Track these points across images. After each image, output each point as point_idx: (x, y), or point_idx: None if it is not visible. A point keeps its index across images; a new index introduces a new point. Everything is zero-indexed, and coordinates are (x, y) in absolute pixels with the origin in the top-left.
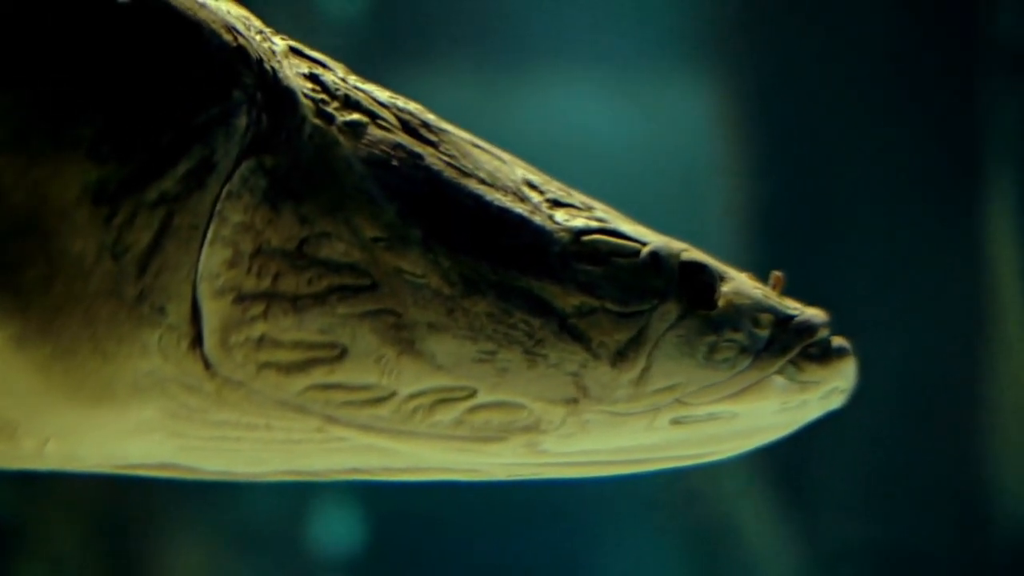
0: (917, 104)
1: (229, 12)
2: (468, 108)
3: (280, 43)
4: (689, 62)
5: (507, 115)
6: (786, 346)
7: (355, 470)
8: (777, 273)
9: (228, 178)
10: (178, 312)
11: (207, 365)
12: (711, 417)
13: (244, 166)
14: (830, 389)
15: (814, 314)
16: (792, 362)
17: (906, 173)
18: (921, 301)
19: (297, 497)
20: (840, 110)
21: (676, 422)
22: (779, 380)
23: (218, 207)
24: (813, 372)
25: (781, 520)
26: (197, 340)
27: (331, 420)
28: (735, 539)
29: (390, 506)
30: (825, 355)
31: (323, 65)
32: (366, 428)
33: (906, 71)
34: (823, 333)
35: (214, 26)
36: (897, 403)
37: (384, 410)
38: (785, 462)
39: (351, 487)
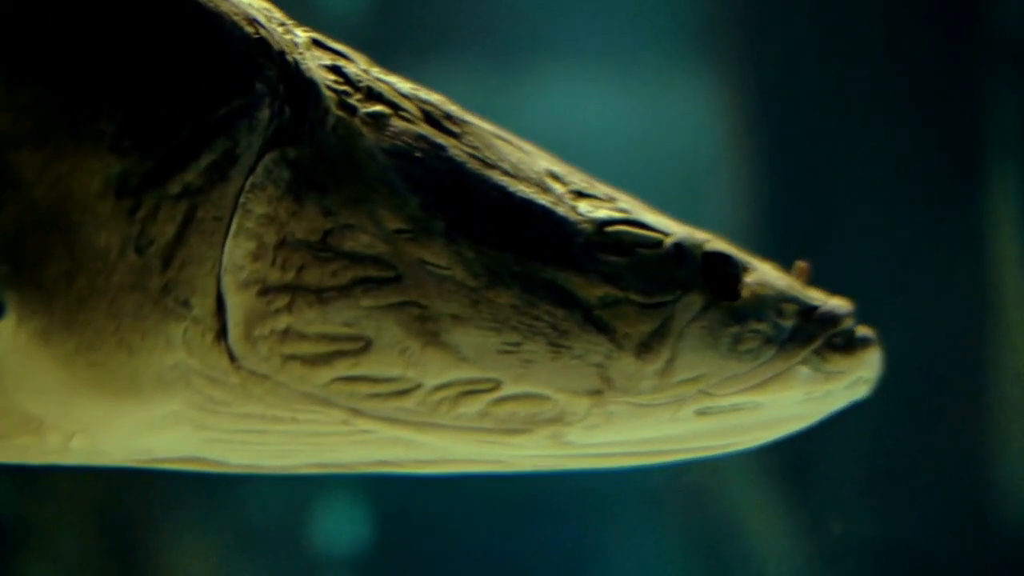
0: (918, 100)
1: (251, 5)
2: (469, 105)
3: (302, 35)
4: (691, 59)
5: (509, 112)
6: (810, 336)
7: (382, 462)
8: (802, 263)
9: (251, 170)
10: (203, 305)
11: (232, 358)
12: (735, 408)
13: (267, 158)
14: (855, 379)
15: (838, 304)
16: (817, 352)
17: (908, 169)
18: (923, 297)
19: (301, 496)
20: (841, 106)
21: (701, 413)
22: (803, 370)
23: (242, 199)
24: (838, 362)
25: (784, 516)
26: (222, 333)
27: (356, 413)
28: (739, 535)
29: (393, 504)
30: (850, 345)
31: (345, 57)
32: (392, 420)
33: (907, 67)
34: (848, 323)
35: (236, 18)
36: (900, 399)
37: (409, 402)
38: (789, 458)
39: (354, 485)
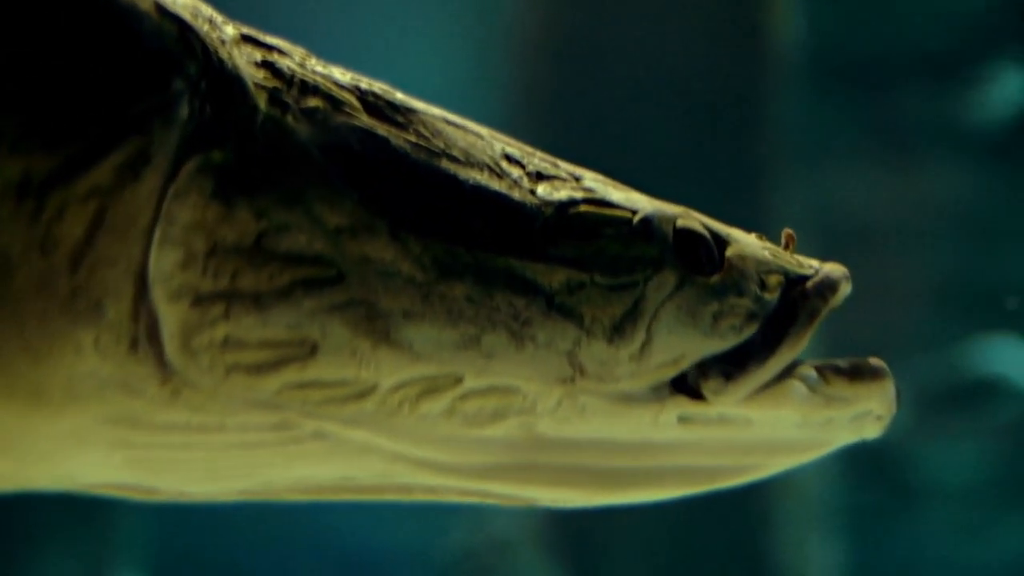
0: (707, 110)
1: (175, 1)
2: None
3: (231, 31)
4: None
5: None
6: (812, 311)
7: (319, 488)
8: (788, 231)
9: (173, 175)
10: (117, 309)
11: (167, 369)
12: (723, 419)
13: (191, 163)
14: (861, 412)
15: (832, 269)
16: (820, 373)
17: (697, 179)
18: None
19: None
20: (633, 118)
21: (684, 420)
22: (799, 387)
23: (164, 207)
24: (841, 387)
25: None
26: (138, 340)
27: (312, 418)
28: None
29: None
30: (856, 372)
31: (279, 51)
32: (352, 423)
33: (699, 76)
34: (845, 288)
35: (153, 14)
36: None
37: (368, 404)
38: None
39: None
